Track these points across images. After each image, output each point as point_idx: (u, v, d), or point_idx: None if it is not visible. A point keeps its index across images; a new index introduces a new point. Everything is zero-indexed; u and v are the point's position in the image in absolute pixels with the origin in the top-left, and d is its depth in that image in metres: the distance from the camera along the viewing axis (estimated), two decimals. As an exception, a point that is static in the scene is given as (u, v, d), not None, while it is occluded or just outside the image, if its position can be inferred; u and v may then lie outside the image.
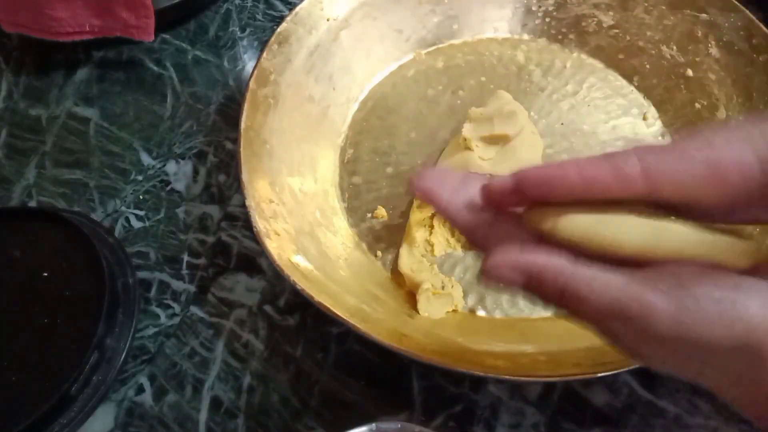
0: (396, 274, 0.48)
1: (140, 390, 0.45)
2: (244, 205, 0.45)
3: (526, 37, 0.60)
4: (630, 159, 0.25)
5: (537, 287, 0.26)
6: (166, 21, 0.61)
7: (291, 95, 0.53)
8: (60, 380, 0.42)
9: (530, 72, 0.58)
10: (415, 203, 0.49)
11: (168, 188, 0.54)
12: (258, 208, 0.45)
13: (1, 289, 0.46)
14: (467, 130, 0.48)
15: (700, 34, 0.54)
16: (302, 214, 0.48)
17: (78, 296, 0.45)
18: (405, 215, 0.50)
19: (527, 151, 0.49)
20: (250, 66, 0.60)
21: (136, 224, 0.52)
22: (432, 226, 0.49)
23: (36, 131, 0.58)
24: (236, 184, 0.53)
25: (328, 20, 0.55)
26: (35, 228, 0.49)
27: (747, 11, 0.52)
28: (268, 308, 0.48)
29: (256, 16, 0.64)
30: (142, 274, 0.49)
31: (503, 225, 0.29)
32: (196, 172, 0.54)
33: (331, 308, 0.41)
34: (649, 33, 0.57)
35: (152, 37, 0.58)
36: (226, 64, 0.61)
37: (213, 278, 0.49)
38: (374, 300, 0.45)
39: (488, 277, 0.27)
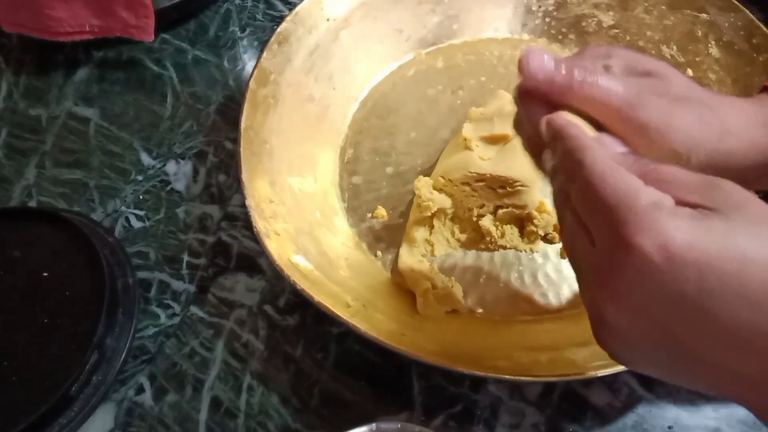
0: (396, 274, 0.48)
1: (140, 390, 0.45)
2: (244, 205, 0.45)
3: (526, 37, 0.60)
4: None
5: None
6: (166, 21, 0.61)
7: (291, 95, 0.53)
8: (60, 380, 0.42)
9: (530, 72, 0.58)
10: (415, 203, 0.49)
11: (168, 188, 0.54)
12: (258, 208, 0.45)
13: (1, 289, 0.46)
14: (467, 130, 0.48)
15: (700, 34, 0.55)
16: (302, 214, 0.48)
17: (78, 296, 0.45)
18: (405, 215, 0.50)
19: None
20: (250, 66, 0.60)
21: (136, 224, 0.52)
22: (432, 226, 0.49)
23: (36, 131, 0.58)
24: (236, 184, 0.53)
25: (328, 20, 0.55)
26: (35, 228, 0.49)
27: (747, 11, 0.52)
28: (268, 308, 0.48)
29: (256, 16, 0.64)
30: (142, 274, 0.49)
31: None
32: (196, 172, 0.54)
33: (331, 308, 0.41)
34: (649, 33, 0.57)
35: (152, 37, 0.58)
36: (226, 64, 0.61)
37: (213, 278, 0.49)
38: (374, 300, 0.45)
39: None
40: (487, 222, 0.48)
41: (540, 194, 0.48)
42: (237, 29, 0.63)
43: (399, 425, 0.38)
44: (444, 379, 0.44)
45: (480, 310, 0.47)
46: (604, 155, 0.28)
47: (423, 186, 0.47)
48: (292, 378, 0.45)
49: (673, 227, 0.24)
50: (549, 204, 0.48)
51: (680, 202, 0.26)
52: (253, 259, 0.50)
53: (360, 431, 0.37)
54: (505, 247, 0.49)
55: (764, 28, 0.51)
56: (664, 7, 0.56)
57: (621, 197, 0.25)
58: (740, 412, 0.42)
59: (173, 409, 0.44)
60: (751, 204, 0.25)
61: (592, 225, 0.27)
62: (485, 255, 0.49)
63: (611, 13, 0.58)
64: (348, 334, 0.46)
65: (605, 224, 0.26)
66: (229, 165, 0.54)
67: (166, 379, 0.45)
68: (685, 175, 0.27)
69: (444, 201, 0.48)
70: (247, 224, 0.50)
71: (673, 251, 0.24)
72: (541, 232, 0.48)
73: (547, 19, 0.60)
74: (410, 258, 0.48)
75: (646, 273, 0.24)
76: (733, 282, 0.24)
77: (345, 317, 0.41)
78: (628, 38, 0.58)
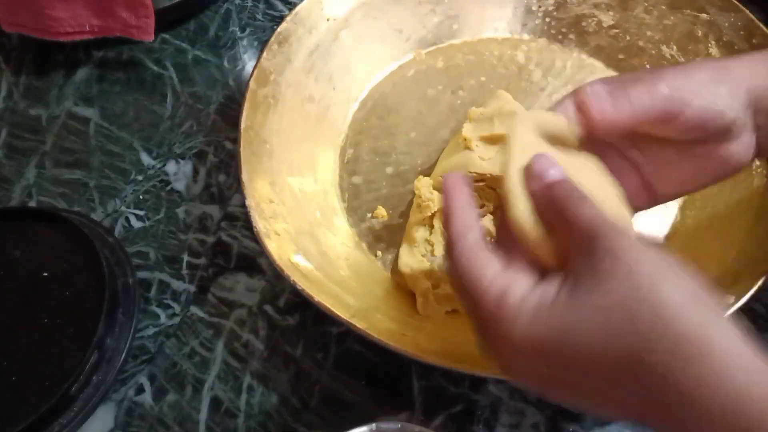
0: (396, 274, 0.48)
1: (140, 390, 0.45)
2: (244, 205, 0.45)
3: (526, 37, 0.60)
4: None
5: None
6: (166, 21, 0.61)
7: (291, 95, 0.53)
8: (60, 380, 0.42)
9: (530, 72, 0.58)
10: (415, 203, 0.49)
11: (168, 188, 0.54)
12: (258, 208, 0.45)
13: (1, 289, 0.46)
14: (467, 130, 0.48)
15: (700, 34, 0.54)
16: (302, 214, 0.48)
17: (78, 296, 0.46)
18: (405, 215, 0.50)
19: (527, 151, 0.49)
20: (250, 66, 0.60)
21: (136, 224, 0.52)
22: (432, 226, 0.49)
23: (36, 131, 0.58)
24: (236, 184, 0.53)
25: (328, 20, 0.55)
26: (35, 228, 0.49)
27: (747, 11, 0.52)
28: (268, 308, 0.48)
29: (256, 16, 0.64)
30: (142, 274, 0.49)
31: None
32: (196, 172, 0.54)
33: (331, 308, 0.41)
34: (649, 33, 0.57)
35: (152, 37, 0.58)
36: (226, 64, 0.61)
37: (213, 278, 0.49)
38: (374, 300, 0.45)
39: None
40: (487, 222, 0.48)
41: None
42: (237, 29, 0.63)
43: (399, 425, 0.38)
44: (444, 379, 0.44)
45: (480, 310, 0.46)
46: (472, 241, 0.30)
47: (423, 186, 0.47)
48: (292, 378, 0.45)
49: (514, 327, 0.28)
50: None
51: (542, 269, 0.29)
52: (253, 259, 0.50)
53: (360, 431, 0.37)
54: (505, 247, 0.49)
55: (764, 28, 0.51)
56: (664, 7, 0.56)
57: (472, 289, 0.29)
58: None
59: (173, 409, 0.44)
60: (607, 261, 0.27)
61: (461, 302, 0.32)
62: (485, 255, 0.49)
63: (611, 13, 0.58)
64: (348, 334, 0.46)
65: (468, 311, 0.30)
66: (229, 165, 0.54)
67: (166, 379, 0.45)
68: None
69: (444, 201, 0.47)
70: (247, 224, 0.50)
71: (518, 349, 0.28)
72: (541, 232, 0.48)
73: (547, 19, 0.60)
74: (410, 258, 0.48)
75: (512, 361, 0.29)
76: (571, 358, 0.27)
77: (345, 317, 0.40)
78: (628, 38, 0.58)
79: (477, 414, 0.43)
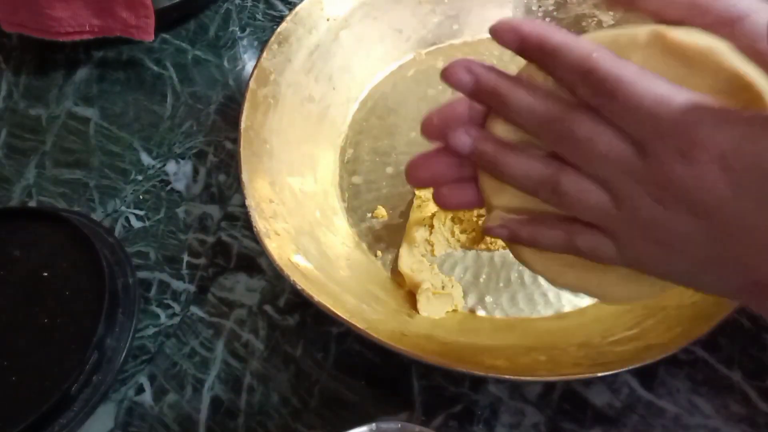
0: (396, 274, 0.48)
1: (140, 390, 0.45)
2: (244, 205, 0.45)
3: (526, 37, 0.60)
4: None
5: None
6: (166, 21, 0.61)
7: (291, 95, 0.53)
8: (60, 380, 0.42)
9: (530, 72, 0.58)
10: (415, 203, 0.49)
11: (168, 188, 0.54)
12: (258, 208, 0.45)
13: (1, 289, 0.46)
14: (467, 130, 0.48)
15: (700, 34, 0.54)
16: (302, 214, 0.48)
17: (78, 296, 0.46)
18: (405, 215, 0.50)
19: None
20: (250, 66, 0.60)
21: (136, 224, 0.52)
22: (432, 226, 0.49)
23: (36, 131, 0.58)
24: (236, 184, 0.53)
25: (328, 20, 0.55)
26: (35, 228, 0.49)
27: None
28: (268, 308, 0.48)
29: (256, 16, 0.64)
30: (142, 274, 0.49)
31: None
32: (196, 172, 0.54)
33: (331, 308, 0.41)
34: (649, 33, 0.57)
35: (152, 37, 0.58)
36: (226, 64, 0.61)
37: (213, 278, 0.49)
38: (374, 300, 0.45)
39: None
40: (487, 222, 0.48)
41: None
42: (237, 29, 0.63)
43: (399, 425, 0.38)
44: (444, 379, 0.44)
45: (480, 310, 0.47)
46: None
47: (423, 186, 0.47)
48: (292, 378, 0.45)
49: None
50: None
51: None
52: (253, 259, 0.50)
53: (360, 431, 0.37)
54: (505, 247, 0.49)
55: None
56: (664, 7, 0.56)
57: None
58: (740, 411, 0.42)
59: (173, 409, 0.44)
60: None
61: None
62: (485, 255, 0.49)
63: (611, 13, 0.58)
64: (348, 334, 0.46)
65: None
66: (229, 165, 0.54)
67: (166, 379, 0.45)
68: None
69: (444, 201, 0.47)
70: (247, 224, 0.50)
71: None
72: (541, 232, 0.48)
73: (547, 19, 0.60)
74: (410, 258, 0.48)
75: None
76: None
77: (345, 317, 0.40)
78: (628, 38, 0.58)
79: (477, 414, 0.43)
